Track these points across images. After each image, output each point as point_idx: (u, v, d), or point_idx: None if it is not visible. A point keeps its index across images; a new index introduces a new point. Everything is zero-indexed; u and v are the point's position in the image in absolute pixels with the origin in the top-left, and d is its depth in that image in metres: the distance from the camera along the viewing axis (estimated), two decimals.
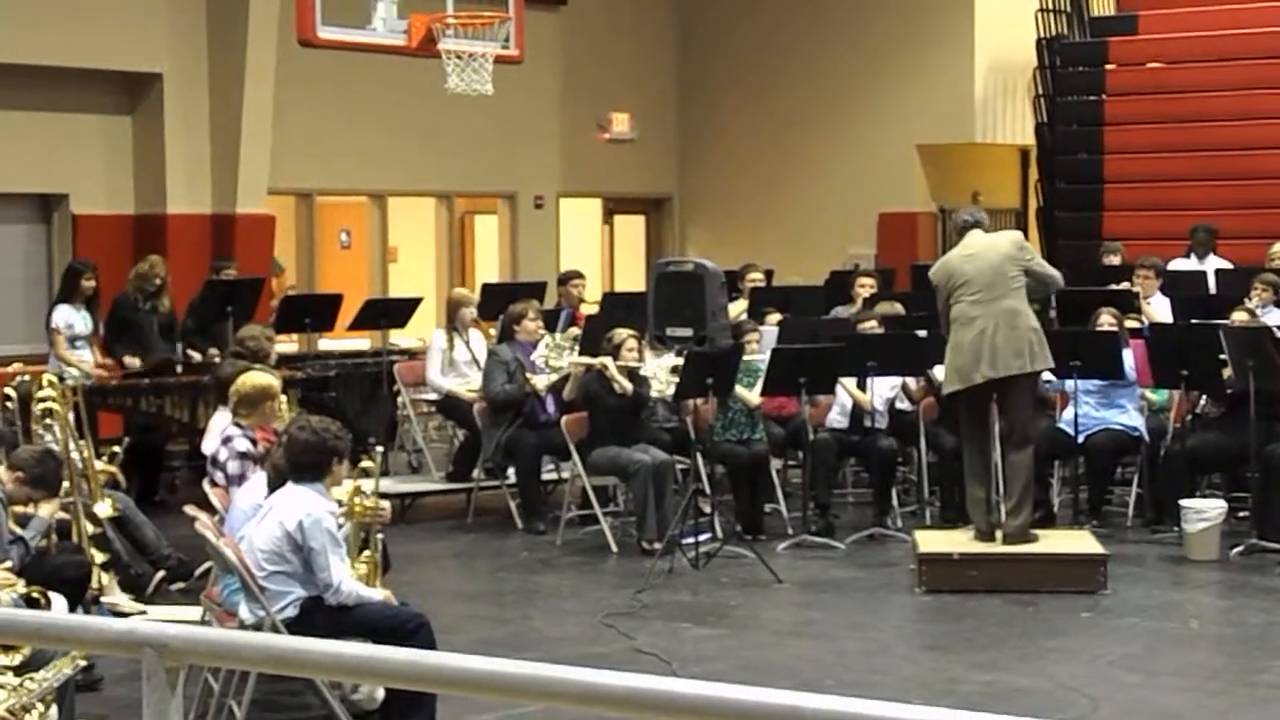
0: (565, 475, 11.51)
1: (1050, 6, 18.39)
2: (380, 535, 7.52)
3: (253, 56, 14.91)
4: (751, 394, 11.03)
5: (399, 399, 12.95)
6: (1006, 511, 9.82)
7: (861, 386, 11.20)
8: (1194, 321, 11.81)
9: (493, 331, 12.97)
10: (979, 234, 10.03)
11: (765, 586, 9.74)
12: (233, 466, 8.26)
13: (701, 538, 10.28)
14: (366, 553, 7.29)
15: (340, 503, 7.08)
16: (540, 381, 11.49)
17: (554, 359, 11.62)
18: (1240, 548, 10.22)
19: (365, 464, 7.56)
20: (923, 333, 11.41)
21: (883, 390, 11.26)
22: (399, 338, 14.56)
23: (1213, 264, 14.38)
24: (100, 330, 12.37)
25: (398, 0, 12.14)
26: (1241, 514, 10.69)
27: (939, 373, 11.11)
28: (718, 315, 10.38)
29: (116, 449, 9.92)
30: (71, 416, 9.21)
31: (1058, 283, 10.32)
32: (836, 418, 11.33)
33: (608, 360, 10.87)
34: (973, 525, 9.91)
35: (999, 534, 9.80)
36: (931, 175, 19.07)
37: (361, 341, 15.03)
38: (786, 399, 11.39)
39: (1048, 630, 8.81)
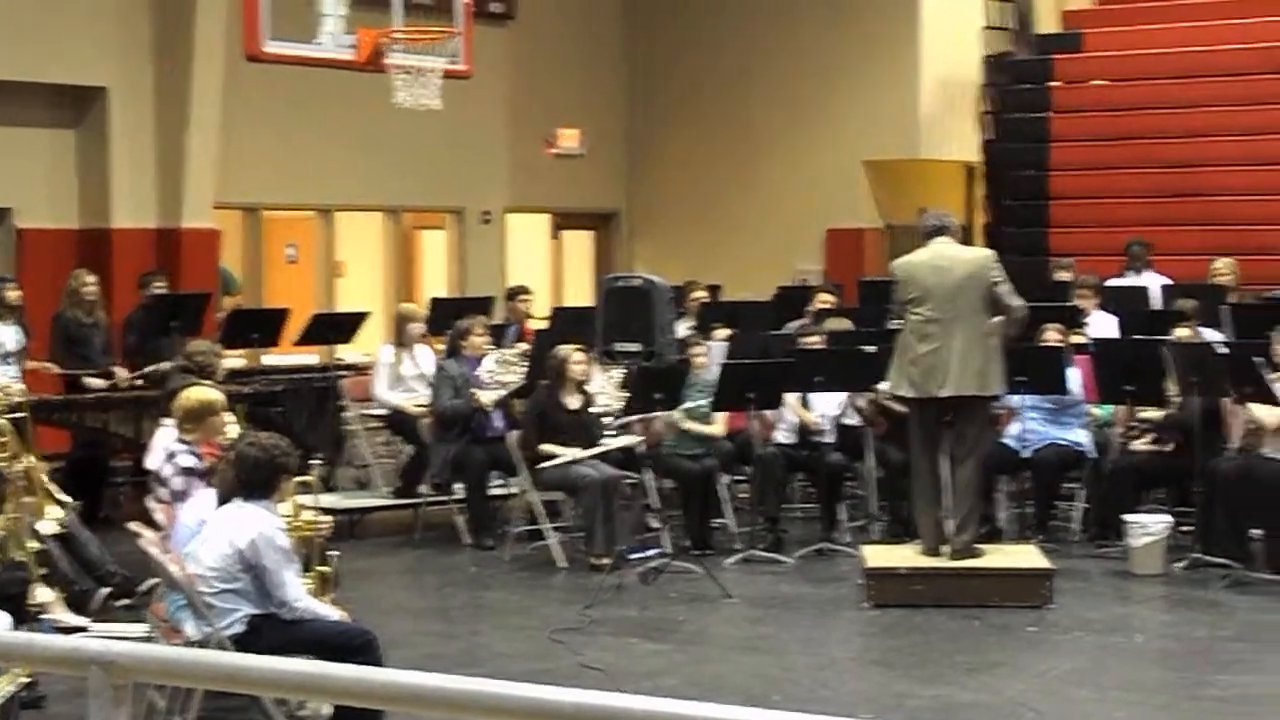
0: (513, 490, 11.49)
1: (996, 24, 18.51)
2: (335, 553, 7.50)
3: (199, 70, 14.85)
4: (709, 425, 11.04)
5: (346, 414, 12.90)
6: (954, 526, 9.83)
7: (805, 400, 11.21)
8: (1138, 337, 11.89)
9: (440, 346, 12.95)
10: (952, 245, 9.91)
11: (713, 602, 9.74)
12: (177, 482, 8.21)
13: (650, 553, 10.28)
14: (316, 569, 7.26)
15: (284, 519, 7.04)
16: (487, 396, 11.47)
17: (501, 374, 11.61)
18: (1184, 562, 10.28)
19: (306, 479, 7.53)
20: (871, 348, 11.44)
21: (829, 408, 11.29)
22: (346, 353, 14.49)
23: (1150, 279, 14.49)
24: (28, 343, 12.19)
25: (346, 15, 12.10)
26: (1185, 528, 10.75)
27: (887, 388, 11.15)
28: (666, 330, 10.40)
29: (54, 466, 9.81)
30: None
31: (1019, 313, 9.82)
32: (784, 433, 11.35)
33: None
34: (920, 540, 9.93)
35: (945, 549, 9.82)
36: (878, 191, 19.13)
37: (308, 356, 14.96)
38: (735, 414, 11.40)
39: (994, 645, 8.85)
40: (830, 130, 19.03)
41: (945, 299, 9.60)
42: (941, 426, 9.90)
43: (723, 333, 12.68)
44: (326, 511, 7.69)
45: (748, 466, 11.37)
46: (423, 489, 11.94)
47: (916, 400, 9.75)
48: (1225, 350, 10.78)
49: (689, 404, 11.04)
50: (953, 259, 9.78)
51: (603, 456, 10.79)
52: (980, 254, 10.02)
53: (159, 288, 13.28)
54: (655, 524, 10.76)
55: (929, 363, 9.59)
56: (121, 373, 12.34)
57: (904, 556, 9.94)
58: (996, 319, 9.71)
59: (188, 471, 8.19)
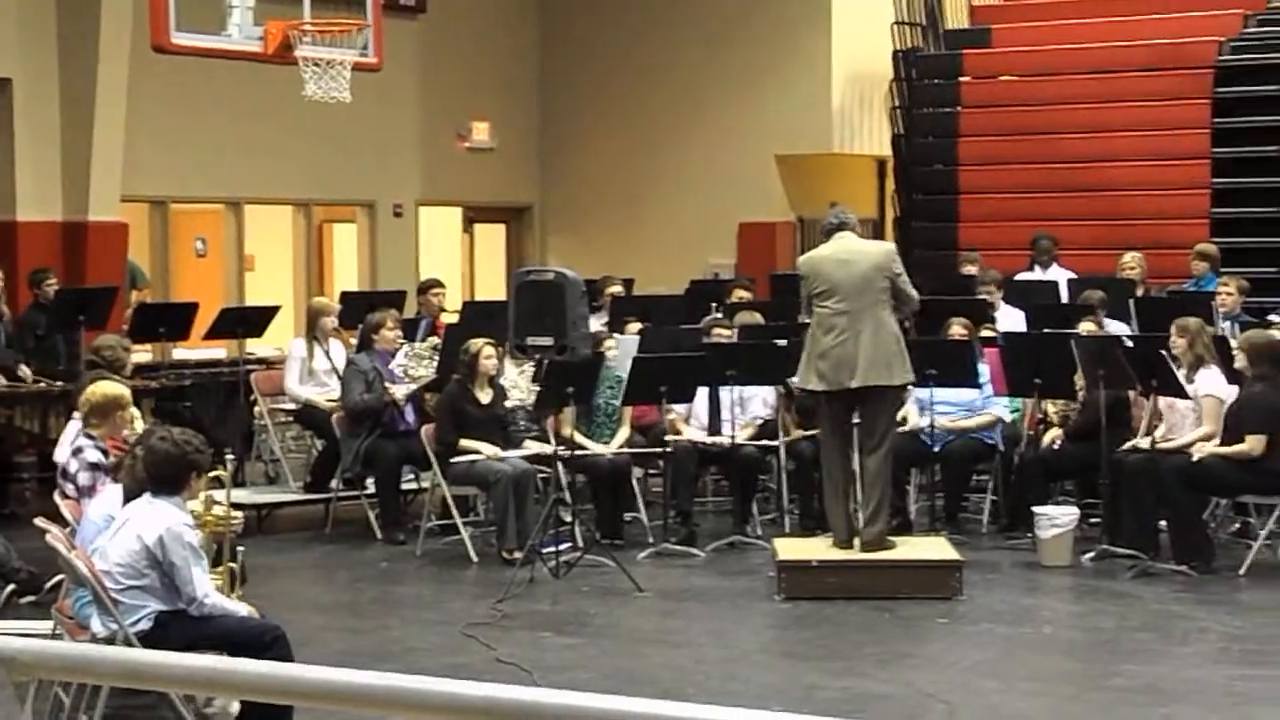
0: (425, 485, 11.45)
1: (906, 19, 18.61)
2: (242, 548, 7.44)
3: (105, 62, 14.68)
4: (604, 446, 11.04)
5: (256, 409, 12.80)
6: (865, 518, 9.89)
7: (716, 397, 11.22)
8: (1046, 330, 12.00)
9: (352, 340, 12.88)
10: (852, 238, 10.00)
11: (626, 595, 9.74)
12: (84, 478, 8.12)
13: (562, 547, 10.27)
14: (222, 566, 7.20)
15: (194, 514, 6.98)
16: (399, 391, 11.42)
17: (413, 368, 11.55)
18: (1092, 553, 10.38)
19: (217, 474, 7.46)
20: (782, 342, 11.48)
21: (756, 409, 11.32)
22: (256, 347, 14.39)
23: (1056, 273, 14.64)
24: None
25: (254, 6, 12.00)
26: (1093, 520, 10.86)
27: (799, 381, 11.20)
28: (578, 324, 10.39)
29: None
30: None
31: (914, 304, 10.18)
32: (695, 429, 11.36)
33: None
34: (832, 533, 9.98)
35: (857, 541, 9.87)
36: (790, 185, 19.22)
37: (217, 351, 14.84)
38: (648, 408, 11.41)
39: (905, 636, 8.90)
40: (742, 125, 19.09)
41: (851, 291, 9.69)
42: (850, 416, 9.95)
43: (635, 327, 12.69)
44: (236, 507, 7.63)
45: (660, 460, 11.38)
46: (334, 484, 11.88)
47: (826, 393, 9.80)
48: (1131, 343, 10.89)
49: (601, 406, 11.08)
50: (857, 252, 9.88)
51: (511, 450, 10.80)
52: (883, 247, 10.19)
53: (50, 285, 13.10)
54: (567, 518, 10.75)
55: (837, 355, 9.65)
56: (25, 370, 12.17)
57: (815, 549, 9.98)
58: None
59: (94, 467, 8.10)
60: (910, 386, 10.53)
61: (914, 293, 10.01)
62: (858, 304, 9.69)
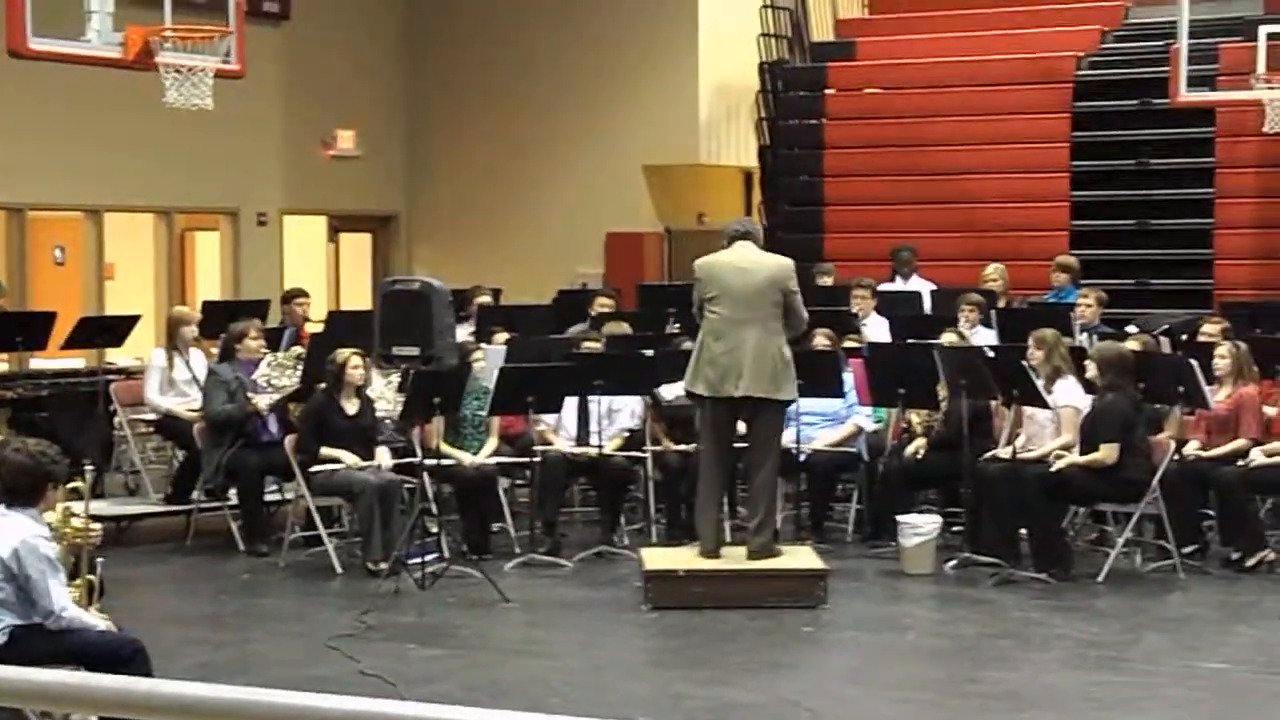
0: (289, 496, 11.33)
1: (772, 32, 18.75)
2: (100, 560, 7.31)
3: None
4: (471, 456, 11.01)
5: (115, 419, 12.61)
6: (752, 528, 9.94)
7: (585, 407, 11.22)
8: (910, 341, 12.13)
9: (214, 350, 12.72)
10: (753, 248, 9.99)
11: (492, 606, 9.70)
12: None
13: (428, 558, 10.21)
14: (80, 578, 7.08)
15: (51, 527, 6.86)
16: (262, 401, 11.30)
17: (276, 378, 11.44)
18: (954, 561, 10.50)
19: (76, 485, 7.34)
20: (650, 352, 11.51)
21: (624, 420, 11.32)
22: (116, 356, 14.18)
23: (916, 284, 14.81)
24: None
25: (114, 12, 11.83)
26: (955, 528, 10.99)
27: (666, 392, 11.23)
28: (445, 334, 10.34)
29: None
30: None
31: (803, 324, 10.21)
32: (564, 439, 11.34)
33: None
34: (700, 541, 10.00)
35: (725, 551, 9.91)
36: (658, 196, 19.28)
37: (76, 360, 14.60)
38: (515, 418, 11.38)
39: (771, 645, 8.95)
40: (611, 135, 19.13)
41: (744, 301, 9.72)
42: (733, 427, 9.98)
43: (502, 336, 12.66)
44: (95, 518, 7.49)
45: (527, 470, 11.35)
46: (195, 495, 11.73)
47: (711, 399, 9.81)
48: (992, 354, 11.04)
49: (468, 415, 11.05)
50: (755, 263, 9.89)
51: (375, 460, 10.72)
52: (781, 261, 10.12)
53: None
54: (433, 529, 10.69)
55: (725, 364, 9.67)
56: None
57: (682, 559, 10.00)
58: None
59: None
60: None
61: (805, 313, 10.06)
62: (749, 314, 9.72)
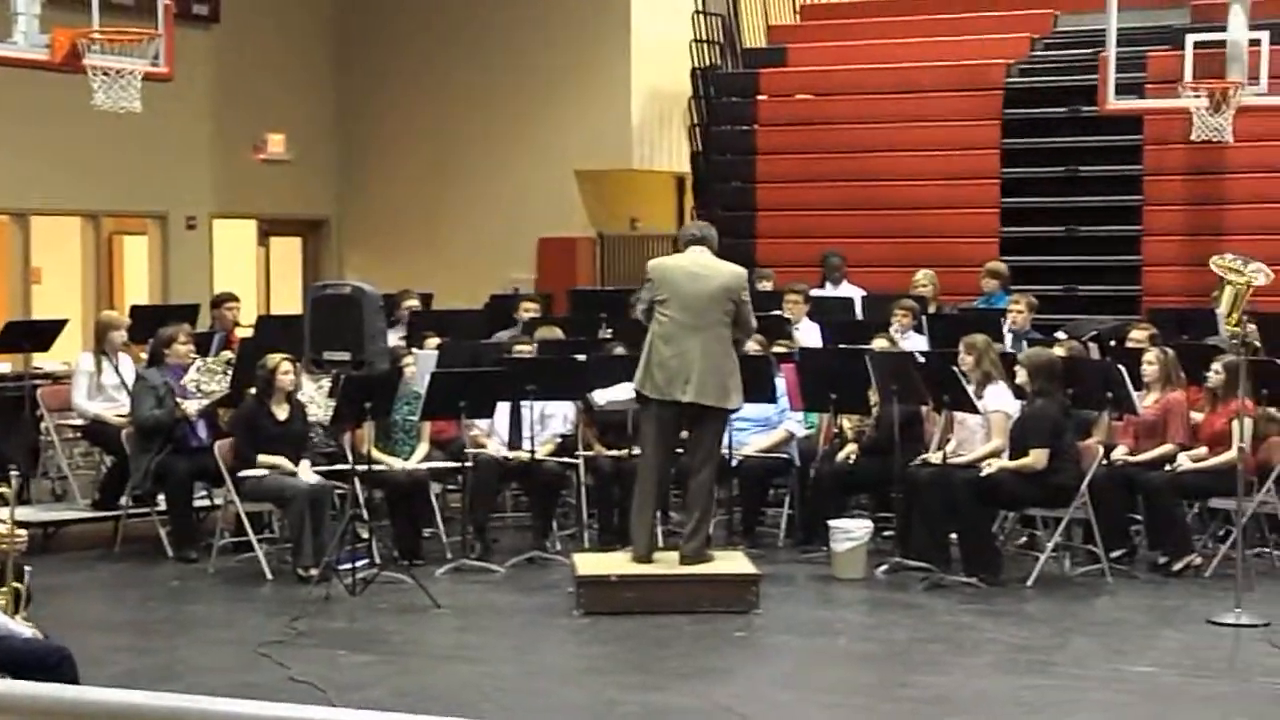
0: (218, 502, 11.25)
1: (704, 37, 18.80)
2: (29, 568, 7.24)
3: None
4: (403, 461, 10.96)
5: (42, 424, 12.50)
6: (686, 533, 9.94)
7: (517, 412, 11.19)
8: (842, 346, 12.17)
9: (143, 355, 12.63)
10: (707, 254, 9.98)
11: (423, 612, 9.67)
12: None
13: (359, 563, 10.16)
14: (6, 586, 7.00)
15: None
16: (191, 406, 11.22)
17: (206, 383, 11.36)
18: (885, 566, 10.54)
19: (1, 490, 7.26)
20: (582, 357, 11.50)
21: (557, 425, 11.31)
22: (43, 361, 14.06)
23: (846, 290, 14.88)
24: None
25: (40, 14, 11.73)
26: (887, 533, 11.03)
27: (599, 397, 11.22)
28: (376, 339, 10.30)
29: None
30: None
31: (751, 334, 10.28)
32: (496, 444, 11.32)
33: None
34: (632, 546, 10.00)
35: (658, 555, 9.91)
36: (590, 201, 19.30)
37: (2, 365, 14.47)
38: (447, 423, 11.35)
39: (703, 650, 8.95)
40: (543, 140, 19.13)
41: (694, 307, 9.72)
42: (678, 431, 9.98)
43: (434, 341, 12.63)
44: (21, 525, 7.42)
45: (459, 475, 11.32)
46: (123, 501, 11.63)
47: (657, 401, 9.80)
48: (923, 360, 11.10)
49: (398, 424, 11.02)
50: (709, 269, 9.90)
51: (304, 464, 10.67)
52: (735, 270, 10.09)
53: None
54: (364, 534, 10.64)
55: (674, 367, 9.68)
56: None
57: (615, 564, 9.99)
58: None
59: None
60: None
61: (754, 322, 10.11)
62: (698, 320, 9.72)
